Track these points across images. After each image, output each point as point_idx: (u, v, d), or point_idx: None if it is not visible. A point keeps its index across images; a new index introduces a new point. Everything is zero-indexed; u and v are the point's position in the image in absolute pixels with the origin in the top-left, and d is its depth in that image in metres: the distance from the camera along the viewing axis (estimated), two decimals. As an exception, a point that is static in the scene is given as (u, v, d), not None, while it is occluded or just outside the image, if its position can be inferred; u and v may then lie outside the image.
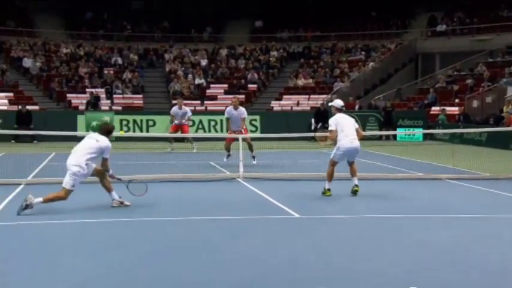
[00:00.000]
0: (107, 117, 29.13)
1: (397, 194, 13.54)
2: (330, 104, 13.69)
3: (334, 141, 12.68)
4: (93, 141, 11.55)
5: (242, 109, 19.27)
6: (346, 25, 41.36)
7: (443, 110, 31.51)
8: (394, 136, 29.36)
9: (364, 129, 29.78)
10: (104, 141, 11.59)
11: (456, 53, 37.65)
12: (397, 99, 35.77)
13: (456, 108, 32.39)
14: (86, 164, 11.24)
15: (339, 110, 13.10)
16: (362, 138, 13.11)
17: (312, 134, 19.16)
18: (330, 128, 12.80)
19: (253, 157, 18.27)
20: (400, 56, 39.75)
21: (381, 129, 30.03)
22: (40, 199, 10.80)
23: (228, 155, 18.51)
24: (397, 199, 13.01)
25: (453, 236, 9.47)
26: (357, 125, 12.99)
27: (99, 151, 11.43)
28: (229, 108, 19.26)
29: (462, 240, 9.23)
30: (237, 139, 17.29)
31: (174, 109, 24.86)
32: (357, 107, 33.50)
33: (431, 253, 8.35)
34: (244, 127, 19.12)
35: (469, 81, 34.64)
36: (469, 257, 8.24)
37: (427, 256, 8.20)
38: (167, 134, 24.93)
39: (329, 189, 12.53)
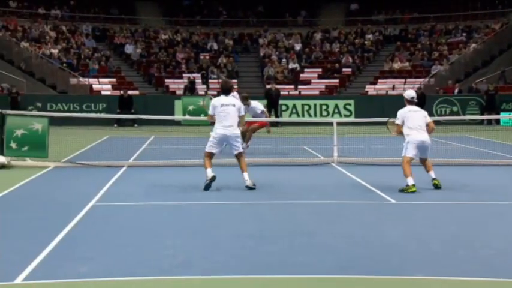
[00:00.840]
0: (203, 102, 29.60)
1: (499, 181, 13.21)
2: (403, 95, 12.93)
3: (401, 134, 12.13)
4: (232, 108, 11.94)
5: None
6: (446, 5, 40.39)
7: (554, 93, 30.47)
8: (497, 121, 28.57)
9: (464, 114, 29.36)
10: (236, 101, 12.35)
11: None
12: (501, 82, 34.68)
13: None
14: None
15: (410, 102, 12.28)
16: (431, 132, 12.32)
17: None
18: (396, 122, 12.22)
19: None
20: (506, 36, 38.24)
21: (482, 114, 29.23)
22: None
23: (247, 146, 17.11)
24: (500, 186, 12.64)
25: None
26: (428, 119, 12.22)
27: (238, 112, 11.98)
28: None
29: None
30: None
31: None
32: (456, 90, 32.81)
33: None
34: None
35: None
36: None
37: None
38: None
39: (413, 185, 11.52)
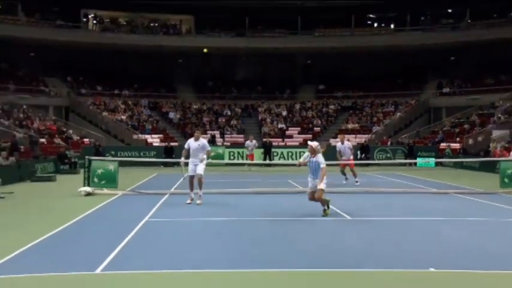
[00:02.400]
0: (220, 150, 29.63)
1: (418, 203, 13.15)
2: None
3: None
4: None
5: (349, 144, 17.46)
6: (381, 87, 40.79)
7: (449, 145, 30.58)
8: (415, 163, 28.62)
9: (394, 158, 29.40)
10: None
11: (457, 107, 36.68)
12: (417, 138, 34.91)
13: (458, 144, 31.41)
14: None
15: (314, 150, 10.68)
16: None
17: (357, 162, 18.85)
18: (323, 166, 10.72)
19: (356, 181, 16.91)
20: (419, 108, 38.79)
21: (405, 159, 29.28)
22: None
23: (346, 178, 17.11)
24: (418, 207, 12.59)
25: (458, 232, 9.16)
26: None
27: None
28: (339, 144, 17.67)
29: (464, 234, 8.93)
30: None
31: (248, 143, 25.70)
32: (389, 143, 32.98)
33: (443, 243, 8.12)
34: (350, 157, 17.36)
35: (466, 126, 33.66)
36: (469, 246, 7.97)
37: (440, 245, 7.99)
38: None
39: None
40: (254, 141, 25.71)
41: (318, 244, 8.17)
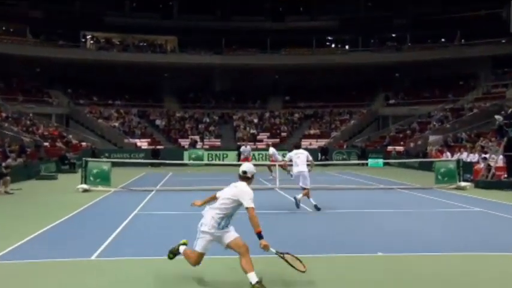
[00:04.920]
0: (200, 152, 29.43)
1: (368, 198, 13.33)
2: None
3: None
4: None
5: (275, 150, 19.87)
6: (338, 99, 41.21)
7: (394, 148, 31.18)
8: (367, 163, 28.97)
9: (349, 159, 29.70)
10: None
11: (400, 116, 37.23)
12: (368, 142, 35.42)
13: (401, 147, 31.97)
14: None
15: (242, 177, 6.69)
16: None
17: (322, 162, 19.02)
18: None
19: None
20: (369, 117, 39.38)
21: (358, 159, 29.62)
22: None
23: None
24: (368, 200, 12.75)
25: (401, 221, 9.33)
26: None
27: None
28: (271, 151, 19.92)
29: (406, 223, 9.08)
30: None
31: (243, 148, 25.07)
32: (345, 146, 33.32)
33: (389, 231, 8.24)
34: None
35: (408, 132, 34.41)
36: (410, 233, 8.11)
37: (387, 233, 8.11)
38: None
39: None
40: (249, 147, 24.84)
41: (287, 231, 8.19)
